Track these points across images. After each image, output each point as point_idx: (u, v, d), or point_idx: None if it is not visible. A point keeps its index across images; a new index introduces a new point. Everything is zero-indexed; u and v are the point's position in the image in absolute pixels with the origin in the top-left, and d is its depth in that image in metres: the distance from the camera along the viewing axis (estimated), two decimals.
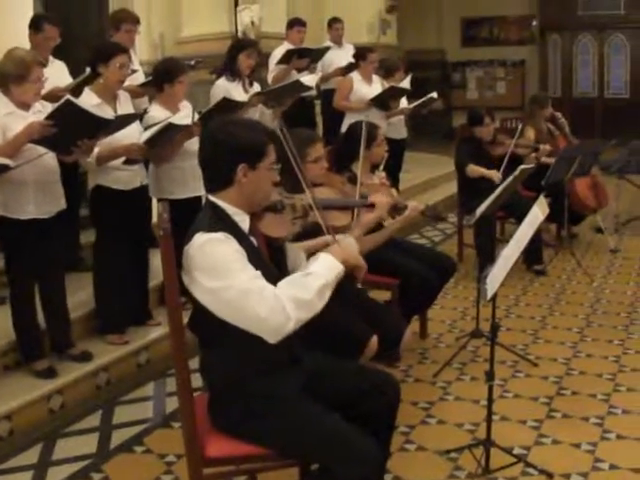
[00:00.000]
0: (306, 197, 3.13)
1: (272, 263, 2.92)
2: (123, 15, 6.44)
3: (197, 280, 2.68)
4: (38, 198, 4.44)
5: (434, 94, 8.39)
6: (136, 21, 6.43)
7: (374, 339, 3.93)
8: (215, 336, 2.79)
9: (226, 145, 2.78)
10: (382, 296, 5.16)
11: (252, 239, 2.85)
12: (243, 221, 2.84)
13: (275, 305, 2.61)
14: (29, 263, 4.51)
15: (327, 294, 2.72)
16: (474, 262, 6.98)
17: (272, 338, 2.65)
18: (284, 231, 3.07)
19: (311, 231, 3.34)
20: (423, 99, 8.32)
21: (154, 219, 5.52)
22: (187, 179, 5.26)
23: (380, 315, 4.25)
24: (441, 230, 8.73)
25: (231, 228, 2.75)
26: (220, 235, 2.67)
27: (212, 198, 2.85)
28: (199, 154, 2.88)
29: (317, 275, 2.70)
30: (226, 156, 2.77)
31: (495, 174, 6.51)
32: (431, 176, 11.13)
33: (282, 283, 2.70)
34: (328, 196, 4.08)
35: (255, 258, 2.74)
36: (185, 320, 2.79)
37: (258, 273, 2.67)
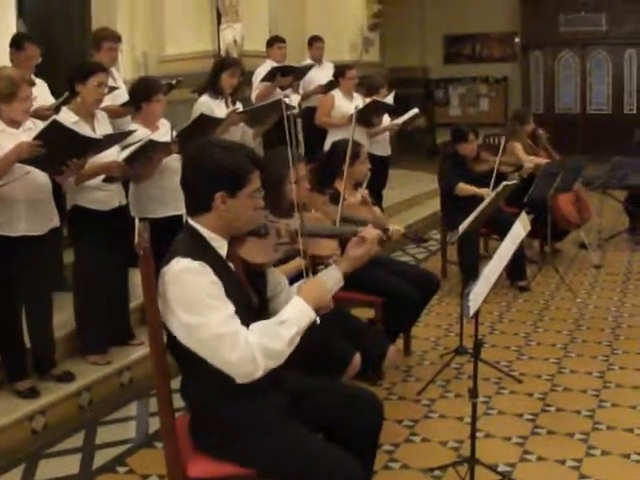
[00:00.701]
0: (293, 222, 3.05)
1: (251, 288, 2.86)
2: (104, 33, 6.43)
3: (173, 311, 2.63)
4: (29, 215, 4.43)
5: (416, 110, 8.45)
6: (117, 39, 6.41)
7: (357, 357, 3.92)
8: (193, 360, 2.70)
9: (205, 170, 2.70)
10: (366, 314, 5.15)
11: (230, 264, 2.79)
12: (221, 247, 2.78)
13: (246, 354, 2.58)
14: (17, 281, 4.49)
15: (297, 340, 2.68)
16: (458, 279, 6.99)
17: (240, 380, 2.63)
18: (266, 257, 2.95)
19: (294, 258, 3.30)
20: (407, 116, 8.37)
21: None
22: (167, 198, 5.20)
23: (363, 333, 4.24)
24: (425, 247, 8.72)
25: (209, 254, 2.70)
26: (197, 265, 2.61)
27: (191, 221, 2.79)
28: (181, 175, 2.81)
29: (290, 323, 2.66)
30: (204, 182, 2.69)
31: (486, 192, 6.37)
32: (415, 193, 11.17)
33: (255, 328, 2.65)
34: (314, 222, 3.95)
35: (231, 286, 2.69)
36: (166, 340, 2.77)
37: (232, 311, 2.63)
